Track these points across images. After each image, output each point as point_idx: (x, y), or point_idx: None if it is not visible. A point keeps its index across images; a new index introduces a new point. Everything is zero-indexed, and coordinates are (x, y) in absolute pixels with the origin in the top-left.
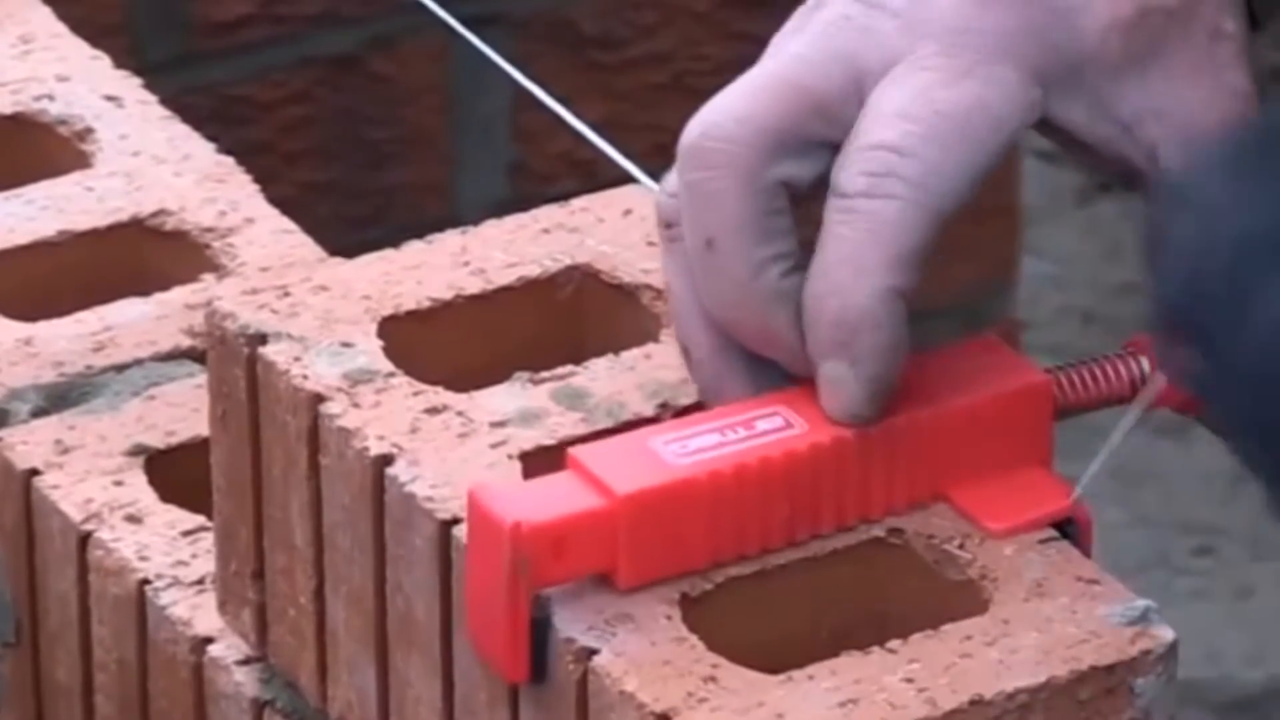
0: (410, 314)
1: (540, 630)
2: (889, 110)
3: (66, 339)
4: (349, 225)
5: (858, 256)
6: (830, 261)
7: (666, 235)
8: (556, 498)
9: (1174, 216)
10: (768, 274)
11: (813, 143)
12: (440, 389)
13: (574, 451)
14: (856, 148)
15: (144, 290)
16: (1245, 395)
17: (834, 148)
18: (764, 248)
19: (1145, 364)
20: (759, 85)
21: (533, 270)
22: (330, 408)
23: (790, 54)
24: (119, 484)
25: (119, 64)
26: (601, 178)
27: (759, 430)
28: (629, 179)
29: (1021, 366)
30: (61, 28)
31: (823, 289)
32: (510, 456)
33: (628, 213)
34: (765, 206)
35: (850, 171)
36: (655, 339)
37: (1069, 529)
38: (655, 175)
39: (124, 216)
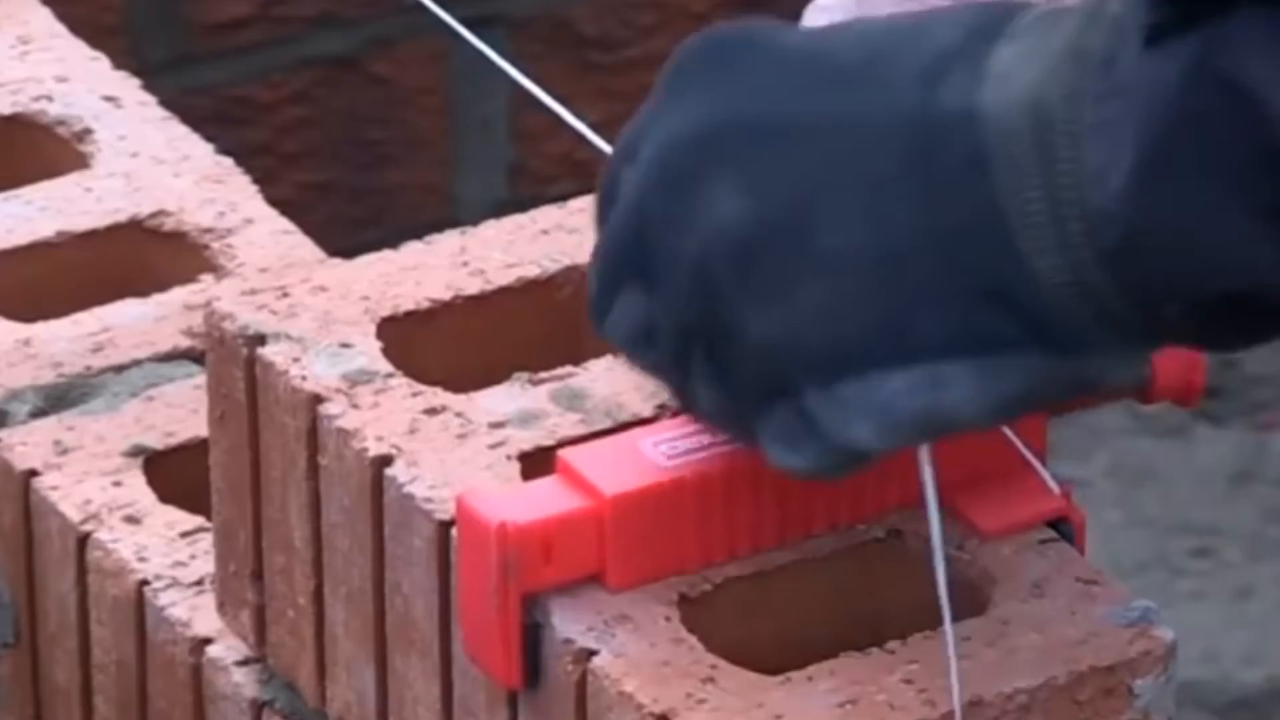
0: (409, 315)
1: (533, 635)
2: None
3: (65, 340)
4: (348, 226)
5: None
6: None
7: None
8: (544, 500)
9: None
10: None
11: None
12: (439, 390)
13: (563, 453)
14: None
15: (143, 291)
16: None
17: None
18: None
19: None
20: None
21: (531, 271)
22: (329, 408)
23: None
24: (118, 485)
25: (118, 65)
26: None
27: None
28: None
29: None
30: (60, 28)
31: None
32: (509, 457)
33: None
34: None
35: None
36: None
37: (1063, 529)
38: None
39: (123, 217)
